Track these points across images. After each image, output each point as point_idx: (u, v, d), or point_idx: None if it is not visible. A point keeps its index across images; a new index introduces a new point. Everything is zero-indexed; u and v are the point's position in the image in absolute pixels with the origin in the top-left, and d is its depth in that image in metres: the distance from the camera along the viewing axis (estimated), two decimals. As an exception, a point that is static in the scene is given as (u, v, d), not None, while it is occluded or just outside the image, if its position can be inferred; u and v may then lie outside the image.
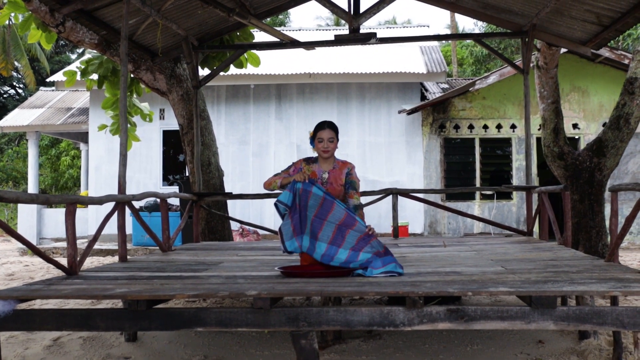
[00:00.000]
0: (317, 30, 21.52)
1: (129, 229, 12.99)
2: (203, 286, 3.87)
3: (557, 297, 3.37)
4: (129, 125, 9.04)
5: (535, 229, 8.12)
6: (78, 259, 4.70)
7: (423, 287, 3.51)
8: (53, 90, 19.15)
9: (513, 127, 14.19)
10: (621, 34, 7.31)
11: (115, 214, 5.49)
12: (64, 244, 14.39)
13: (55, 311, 3.68)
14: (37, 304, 6.76)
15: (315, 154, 4.93)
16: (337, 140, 4.86)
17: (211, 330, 5.45)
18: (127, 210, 5.71)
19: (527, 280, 3.77)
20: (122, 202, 5.52)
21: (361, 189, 8.09)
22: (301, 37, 9.59)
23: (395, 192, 7.79)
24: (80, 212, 14.06)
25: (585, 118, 14.15)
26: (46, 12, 6.59)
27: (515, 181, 14.03)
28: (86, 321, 3.59)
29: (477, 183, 14.21)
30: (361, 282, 3.88)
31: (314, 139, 4.85)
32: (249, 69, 11.05)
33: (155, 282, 4.09)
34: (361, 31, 7.88)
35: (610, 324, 3.34)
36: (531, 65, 7.96)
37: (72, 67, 14.44)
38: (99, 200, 5.19)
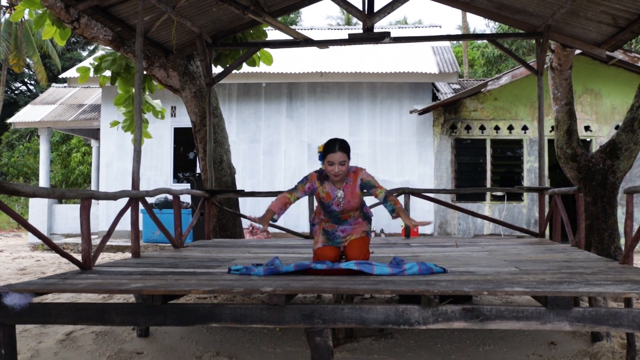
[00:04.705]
0: (328, 29, 21.52)
1: (139, 226, 13.05)
2: (217, 282, 3.88)
3: (572, 298, 3.36)
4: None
5: (546, 230, 8.09)
6: (92, 254, 4.72)
7: (438, 286, 3.50)
8: (65, 86, 19.25)
9: (524, 128, 14.14)
10: (637, 36, 7.27)
11: (129, 210, 5.50)
12: (74, 240, 14.46)
13: (71, 305, 3.70)
14: (49, 298, 6.79)
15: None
16: (349, 159, 4.56)
17: (223, 327, 5.46)
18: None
19: (542, 281, 3.75)
20: (135, 198, 5.54)
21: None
22: (313, 36, 9.58)
23: (408, 192, 7.78)
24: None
25: (598, 120, 14.08)
26: (61, 8, 6.62)
27: (525, 183, 13.99)
28: (101, 315, 3.60)
29: (488, 184, 14.17)
30: (376, 280, 3.87)
31: (323, 157, 4.54)
32: (261, 68, 11.06)
33: (170, 278, 4.10)
34: (374, 31, 7.87)
35: (626, 326, 3.31)
36: (545, 66, 7.93)
37: (85, 63, 14.50)
38: (113, 196, 5.21)
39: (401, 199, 7.97)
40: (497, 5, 7.86)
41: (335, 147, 4.49)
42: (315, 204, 5.01)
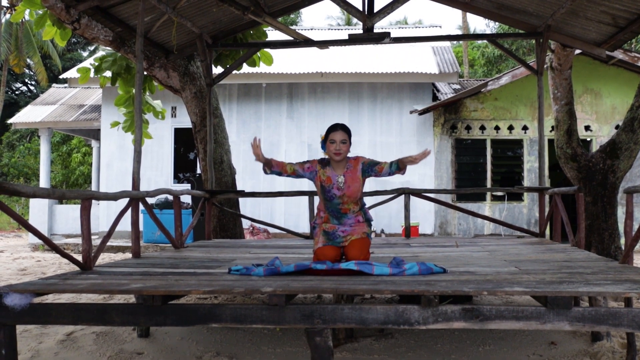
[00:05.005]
0: (329, 29, 21.52)
1: (140, 226, 13.08)
2: (218, 282, 3.88)
3: (572, 298, 3.36)
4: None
5: (546, 230, 8.09)
6: (93, 254, 4.72)
7: (438, 286, 3.51)
8: (65, 87, 19.27)
9: (525, 128, 14.15)
10: (637, 36, 7.27)
11: (129, 211, 5.51)
12: (75, 240, 14.47)
13: (71, 305, 3.70)
14: (50, 298, 6.79)
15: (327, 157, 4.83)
16: (350, 143, 4.71)
17: (224, 327, 5.46)
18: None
19: (542, 281, 3.75)
20: (136, 198, 5.54)
21: (371, 189, 8.14)
22: (313, 36, 9.59)
23: (407, 192, 7.78)
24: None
25: (598, 120, 14.09)
26: (62, 9, 6.62)
27: (526, 182, 13.99)
28: (102, 316, 3.60)
29: (488, 184, 14.18)
30: (376, 280, 3.88)
31: (325, 141, 4.71)
32: (261, 68, 11.09)
33: (170, 278, 4.10)
34: (374, 31, 7.87)
35: (626, 325, 3.32)
36: (545, 66, 7.93)
37: (85, 63, 14.51)
38: (114, 196, 5.21)
39: (401, 199, 7.98)
40: (497, 5, 7.86)
41: (337, 127, 4.71)
42: (317, 202, 5.02)
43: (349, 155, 4.80)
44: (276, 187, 14.00)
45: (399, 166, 4.59)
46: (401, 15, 44.47)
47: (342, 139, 4.65)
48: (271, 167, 4.74)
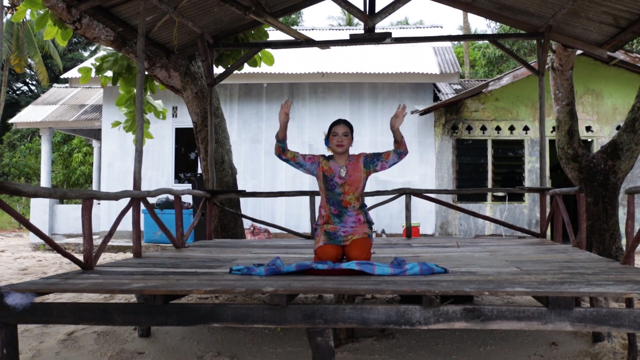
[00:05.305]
0: (330, 29, 21.52)
1: (141, 226, 13.07)
2: (219, 282, 3.88)
3: (574, 299, 3.36)
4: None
5: (547, 231, 8.09)
6: (94, 254, 4.72)
7: (439, 286, 3.51)
8: (66, 87, 19.28)
9: (526, 129, 14.14)
10: (638, 36, 7.26)
11: (130, 210, 5.51)
12: (76, 240, 14.47)
13: (73, 305, 3.70)
14: (51, 298, 6.79)
15: (330, 154, 4.94)
16: (352, 138, 4.86)
17: (225, 327, 5.46)
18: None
19: (543, 281, 3.75)
20: (137, 198, 5.55)
21: (372, 189, 8.14)
22: (314, 36, 9.60)
23: (408, 192, 7.79)
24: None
25: (599, 121, 14.08)
26: (63, 9, 6.62)
27: (527, 183, 13.98)
28: (103, 315, 3.61)
29: (489, 185, 14.16)
30: (377, 280, 3.88)
31: (328, 137, 4.85)
32: (262, 68, 11.09)
33: (171, 278, 4.10)
34: (375, 31, 7.87)
35: (627, 326, 3.31)
36: (546, 67, 7.93)
37: (86, 63, 14.52)
38: (115, 196, 5.21)
39: (402, 199, 7.98)
40: (498, 5, 7.86)
41: (340, 121, 4.88)
42: (317, 203, 5.03)
43: (353, 152, 4.90)
44: (277, 187, 14.01)
45: (396, 140, 4.74)
46: (402, 15, 44.50)
47: (344, 132, 4.80)
48: (283, 137, 4.91)
